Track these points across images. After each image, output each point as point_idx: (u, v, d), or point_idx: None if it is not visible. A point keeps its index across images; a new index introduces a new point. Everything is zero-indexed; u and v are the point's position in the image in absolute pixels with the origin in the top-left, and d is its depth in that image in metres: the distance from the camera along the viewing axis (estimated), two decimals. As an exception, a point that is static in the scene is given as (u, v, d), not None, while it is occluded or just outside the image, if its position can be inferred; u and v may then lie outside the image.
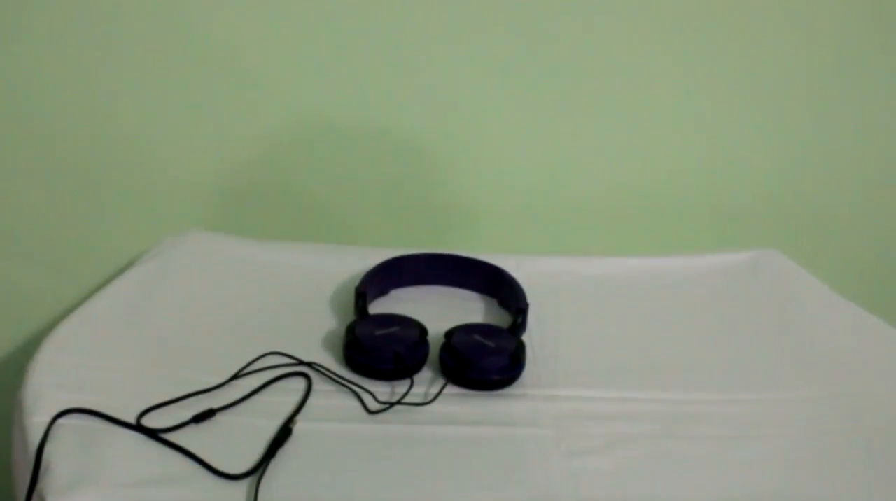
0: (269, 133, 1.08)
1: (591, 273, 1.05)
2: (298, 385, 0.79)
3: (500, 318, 0.94)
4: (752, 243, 1.12)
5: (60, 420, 0.69)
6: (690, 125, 1.12)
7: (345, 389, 0.79)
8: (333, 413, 0.75)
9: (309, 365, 0.81)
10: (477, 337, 0.82)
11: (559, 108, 1.09)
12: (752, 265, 1.07)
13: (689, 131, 1.12)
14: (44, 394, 0.72)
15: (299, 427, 0.72)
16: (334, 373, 0.80)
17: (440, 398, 0.78)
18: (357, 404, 0.77)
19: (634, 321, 0.95)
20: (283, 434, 0.70)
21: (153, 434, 0.69)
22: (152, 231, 1.05)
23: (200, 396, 0.75)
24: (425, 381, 0.81)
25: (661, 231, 1.17)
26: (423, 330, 0.84)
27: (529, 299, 0.90)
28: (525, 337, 0.86)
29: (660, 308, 0.98)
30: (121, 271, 0.97)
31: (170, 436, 0.69)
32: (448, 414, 0.76)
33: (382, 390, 0.79)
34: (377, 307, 0.92)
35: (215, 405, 0.74)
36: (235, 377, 0.79)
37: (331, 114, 1.07)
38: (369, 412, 0.76)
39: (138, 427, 0.70)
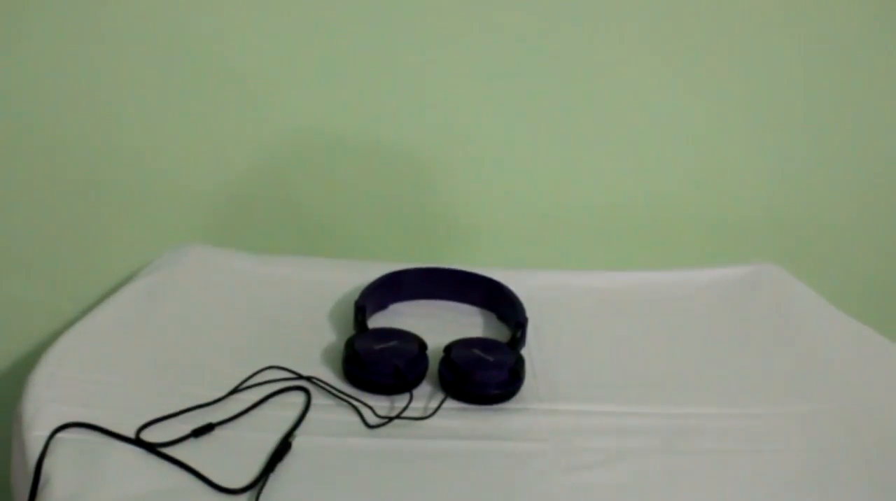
0: (268, 147, 1.08)
1: (590, 287, 1.05)
2: (297, 399, 0.79)
3: (500, 332, 0.94)
4: (751, 257, 1.12)
5: (60, 435, 0.69)
6: (690, 139, 1.12)
7: (344, 403, 0.79)
8: (333, 427, 0.75)
9: (308, 379, 0.81)
10: (476, 351, 0.82)
11: (559, 123, 1.10)
12: (752, 279, 1.08)
13: (688, 145, 1.13)
14: (43, 408, 0.72)
15: (298, 441, 0.72)
16: (333, 388, 0.80)
17: (439, 412, 0.78)
18: (356, 418, 0.77)
19: (634, 335, 0.96)
20: (283, 448, 0.70)
21: (152, 448, 0.70)
22: (151, 245, 1.06)
23: (199, 410, 0.75)
24: (424, 395, 0.81)
25: (660, 245, 1.17)
26: (422, 345, 0.84)
27: (528, 313, 0.91)
28: (524, 352, 0.87)
29: (659, 322, 0.99)
30: (120, 285, 0.97)
31: (169, 451, 0.70)
32: (447, 429, 0.76)
33: (382, 404, 0.79)
34: (376, 321, 0.92)
35: (214, 419, 0.74)
36: (235, 391, 0.79)
37: (331, 128, 1.08)
38: (368, 426, 0.76)
39: (137, 442, 0.70)
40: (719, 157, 1.14)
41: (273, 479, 0.67)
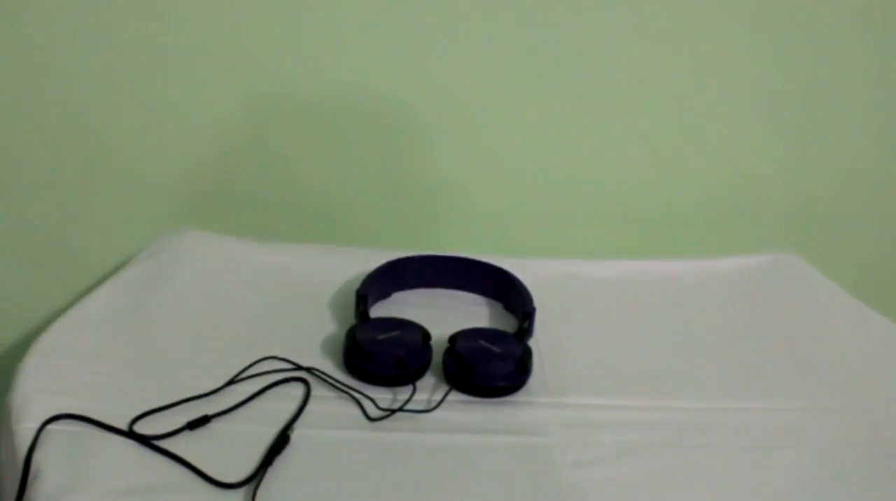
0: (265, 127, 1.07)
1: (601, 276, 1.05)
2: (297, 391, 0.79)
3: (506, 323, 0.94)
4: (768, 246, 1.12)
5: (50, 426, 0.69)
6: (706, 125, 1.12)
7: (345, 395, 0.79)
8: (333, 420, 0.75)
9: (308, 370, 0.81)
10: (482, 342, 0.82)
11: (570, 109, 1.09)
12: (769, 268, 1.07)
13: (704, 131, 1.12)
14: (33, 399, 0.72)
15: (297, 434, 0.72)
16: (334, 379, 0.80)
17: (444, 405, 0.78)
18: (357, 411, 0.77)
19: (646, 326, 0.95)
20: (281, 441, 0.70)
21: (146, 441, 0.69)
22: (145, 231, 1.06)
23: (195, 402, 0.75)
24: (428, 388, 0.81)
25: (674, 233, 1.16)
26: (426, 335, 0.84)
27: (536, 303, 0.90)
28: (531, 343, 0.86)
29: (672, 312, 0.98)
30: (113, 272, 0.97)
31: (163, 443, 0.69)
32: (452, 422, 0.76)
33: (384, 396, 0.79)
34: (378, 310, 0.92)
35: (210, 411, 0.74)
36: (231, 382, 0.79)
37: (332, 112, 1.07)
38: (370, 419, 0.76)
39: (130, 434, 0.70)
40: (735, 145, 1.13)
41: (271, 473, 0.67)
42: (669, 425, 0.78)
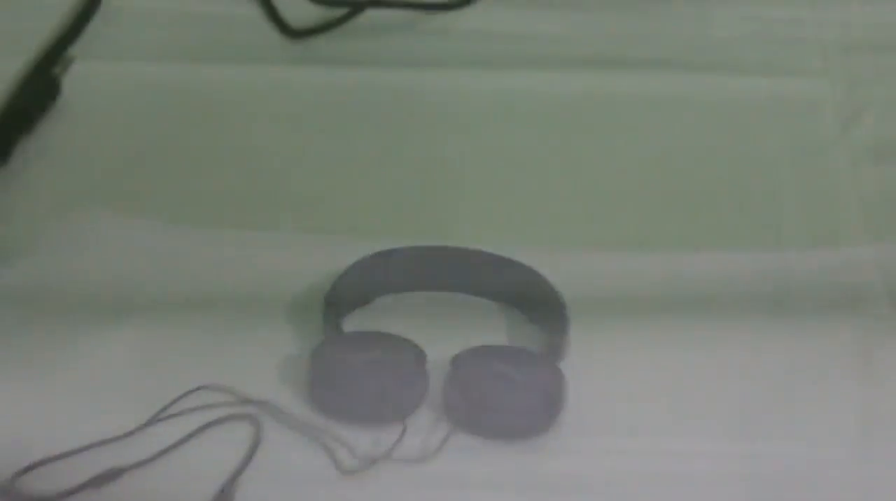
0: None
1: (656, 274, 1.02)
2: (242, 433, 0.78)
3: (529, 338, 0.91)
4: None
5: None
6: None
7: (310, 439, 0.78)
8: (292, 472, 0.75)
9: (258, 404, 0.80)
10: (496, 364, 0.82)
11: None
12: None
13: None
14: None
15: (244, 492, 0.72)
16: (294, 416, 0.79)
17: (444, 451, 0.77)
18: (327, 460, 0.76)
19: (704, 344, 0.92)
20: (221, 503, 0.70)
21: (34, 503, 0.69)
22: (38, 214, 1.05)
23: (101, 449, 0.74)
24: (423, 428, 0.79)
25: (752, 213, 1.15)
26: (419, 355, 0.82)
27: (570, 311, 0.89)
28: (564, 366, 0.84)
29: (753, 323, 0.95)
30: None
31: (57, 508, 0.69)
32: (455, 475, 0.75)
33: (362, 440, 0.77)
34: (355, 321, 0.91)
35: (123, 462, 0.73)
36: (153, 421, 0.78)
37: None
38: (344, 471, 0.75)
39: (13, 495, 0.69)
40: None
41: (206, 550, 0.67)
42: (747, 478, 0.76)
